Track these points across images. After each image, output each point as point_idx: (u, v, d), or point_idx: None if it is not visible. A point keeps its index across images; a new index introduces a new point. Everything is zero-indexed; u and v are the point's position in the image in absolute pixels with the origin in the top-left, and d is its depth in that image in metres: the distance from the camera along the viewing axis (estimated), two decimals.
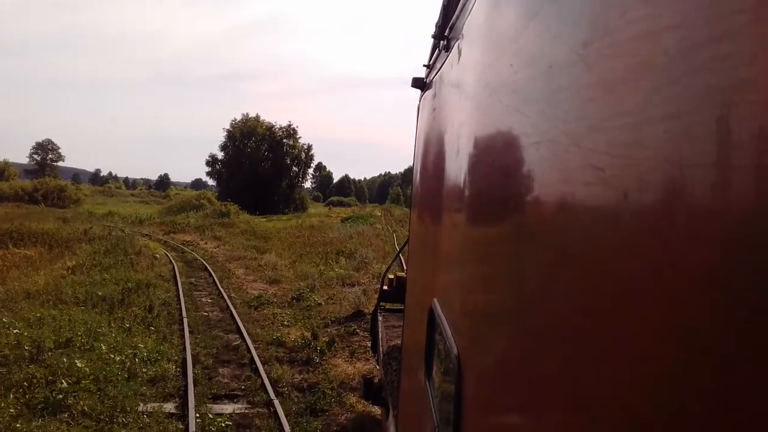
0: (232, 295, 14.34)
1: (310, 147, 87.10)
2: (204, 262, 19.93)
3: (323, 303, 13.38)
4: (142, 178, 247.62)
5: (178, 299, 13.22)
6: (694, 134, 0.52)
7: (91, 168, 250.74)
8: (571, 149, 0.83)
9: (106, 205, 71.45)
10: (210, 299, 13.99)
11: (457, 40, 2.22)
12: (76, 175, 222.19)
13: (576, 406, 0.79)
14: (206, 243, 27.63)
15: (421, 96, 3.89)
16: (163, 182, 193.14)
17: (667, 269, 0.56)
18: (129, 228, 34.97)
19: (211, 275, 17.16)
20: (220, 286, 15.19)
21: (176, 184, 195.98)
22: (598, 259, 0.75)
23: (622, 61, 0.68)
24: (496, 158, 1.42)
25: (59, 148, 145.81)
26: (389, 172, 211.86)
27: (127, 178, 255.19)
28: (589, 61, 0.78)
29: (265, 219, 57.24)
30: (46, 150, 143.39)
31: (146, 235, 30.94)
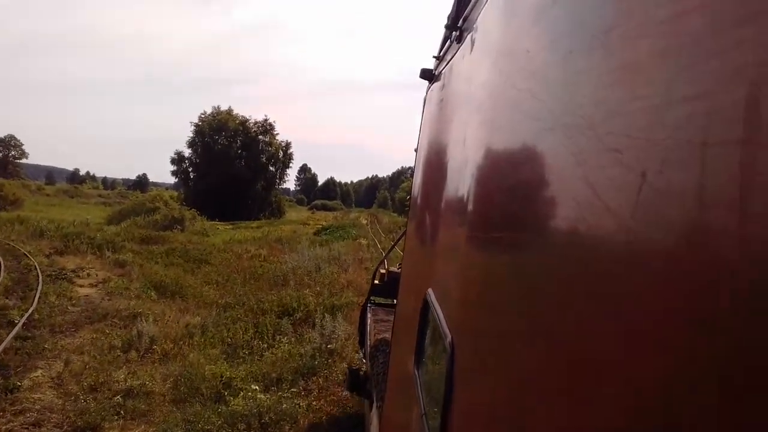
0: None
1: (288, 144, 77.42)
2: None
3: None
4: (122, 179, 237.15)
5: None
6: (719, 115, 0.52)
7: (71, 167, 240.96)
8: (587, 133, 0.81)
9: (55, 207, 61.18)
10: None
11: (471, 31, 2.20)
12: (50, 173, 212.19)
13: (565, 392, 0.79)
14: (90, 275, 17.60)
15: (429, 87, 3.83)
16: (141, 182, 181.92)
17: (688, 253, 0.55)
18: (18, 243, 24.74)
19: None
20: None
21: (159, 185, 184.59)
22: (609, 243, 0.72)
23: (647, 44, 0.68)
24: (506, 145, 1.39)
25: (23, 144, 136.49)
26: (377, 176, 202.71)
27: (105, 178, 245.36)
28: (612, 46, 0.77)
29: (231, 226, 48.34)
30: (8, 146, 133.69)
31: (23, 255, 20.91)
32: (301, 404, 7.02)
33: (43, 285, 15.18)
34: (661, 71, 0.63)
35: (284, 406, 6.75)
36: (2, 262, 19.21)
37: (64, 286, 15.32)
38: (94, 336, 10.49)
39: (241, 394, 7.25)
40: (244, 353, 9.38)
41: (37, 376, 8.31)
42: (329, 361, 8.57)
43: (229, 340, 10.09)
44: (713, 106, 0.53)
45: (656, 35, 0.65)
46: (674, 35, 0.61)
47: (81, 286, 15.99)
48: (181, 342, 10.06)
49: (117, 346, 9.62)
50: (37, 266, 18.41)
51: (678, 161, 0.58)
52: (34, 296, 13.69)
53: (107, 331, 10.75)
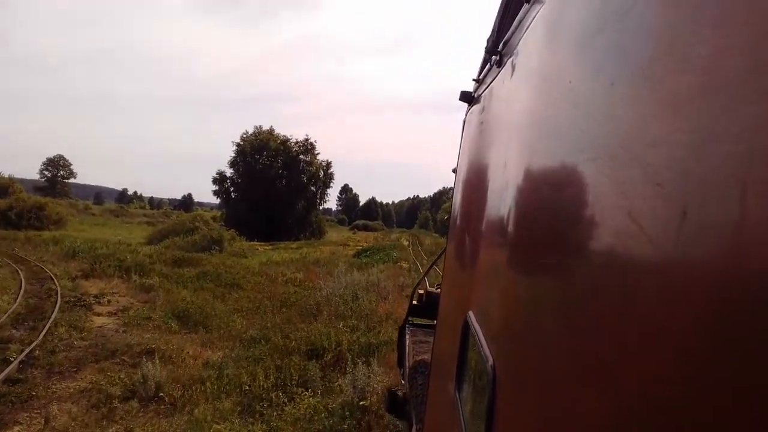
0: None
1: (329, 164, 76.52)
2: None
3: None
4: (168, 198, 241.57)
5: None
6: (760, 153, 0.53)
7: (119, 187, 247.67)
8: (630, 164, 0.82)
9: (98, 227, 61.48)
10: None
11: (511, 56, 2.21)
12: (99, 194, 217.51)
13: (608, 419, 0.78)
14: (112, 302, 16.41)
15: (468, 110, 3.84)
16: (187, 202, 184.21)
17: (730, 283, 0.55)
18: (47, 265, 23.90)
19: None
20: None
21: (204, 205, 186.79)
22: (651, 274, 0.72)
23: (690, 78, 0.69)
24: (546, 173, 1.40)
25: (71, 164, 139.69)
26: (418, 196, 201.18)
27: (152, 197, 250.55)
28: (655, 78, 0.78)
29: (270, 247, 47.44)
30: (57, 166, 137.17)
31: (49, 278, 20.00)
32: None
33: (57, 313, 14.03)
34: (704, 106, 0.63)
35: None
36: (24, 286, 18.30)
37: (79, 315, 14.12)
38: (95, 379, 9.13)
39: None
40: (262, 407, 7.84)
41: None
42: (362, 423, 6.95)
43: (247, 387, 8.59)
44: (752, 145, 0.53)
45: (699, 70, 0.65)
46: (718, 71, 0.61)
47: (98, 314, 14.79)
48: (192, 388, 8.61)
49: (115, 395, 8.19)
50: (58, 291, 17.39)
51: (719, 198, 0.58)
52: (44, 327, 12.51)
53: (110, 373, 9.38)
